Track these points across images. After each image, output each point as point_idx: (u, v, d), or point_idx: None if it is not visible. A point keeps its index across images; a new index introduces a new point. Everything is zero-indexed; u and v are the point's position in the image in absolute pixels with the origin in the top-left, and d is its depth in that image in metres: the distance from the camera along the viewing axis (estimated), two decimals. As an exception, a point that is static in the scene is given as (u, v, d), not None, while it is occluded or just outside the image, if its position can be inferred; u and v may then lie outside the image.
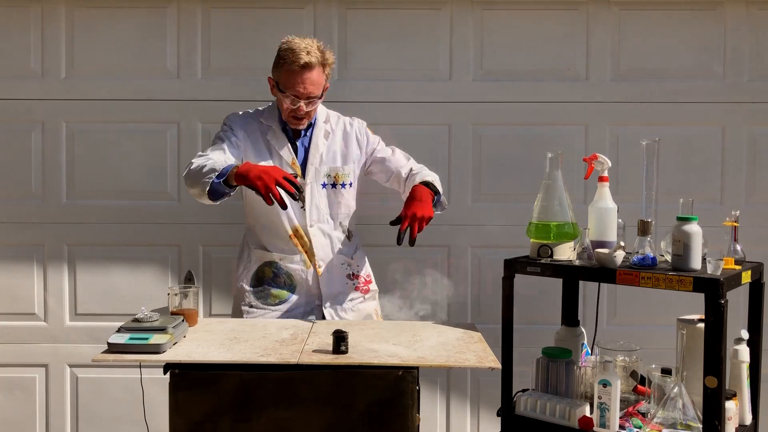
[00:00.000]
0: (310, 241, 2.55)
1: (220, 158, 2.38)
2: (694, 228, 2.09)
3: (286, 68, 2.42)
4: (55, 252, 3.27)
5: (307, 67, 2.40)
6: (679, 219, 2.11)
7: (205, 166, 2.29)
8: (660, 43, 3.27)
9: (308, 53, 2.40)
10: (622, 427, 2.13)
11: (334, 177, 2.58)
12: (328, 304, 2.57)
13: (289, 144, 2.55)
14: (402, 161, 2.68)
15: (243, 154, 2.52)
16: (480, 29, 3.27)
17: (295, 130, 2.56)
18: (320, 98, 2.50)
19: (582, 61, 3.28)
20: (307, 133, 2.58)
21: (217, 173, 2.24)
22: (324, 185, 2.57)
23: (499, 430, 2.35)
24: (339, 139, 2.62)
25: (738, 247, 2.27)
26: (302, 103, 2.44)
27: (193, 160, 2.39)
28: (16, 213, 3.26)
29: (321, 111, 2.61)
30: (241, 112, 2.63)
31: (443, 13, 3.27)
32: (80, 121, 3.25)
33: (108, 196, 3.26)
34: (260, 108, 2.64)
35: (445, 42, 3.27)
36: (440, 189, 2.56)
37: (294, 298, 2.57)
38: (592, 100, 3.27)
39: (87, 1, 3.24)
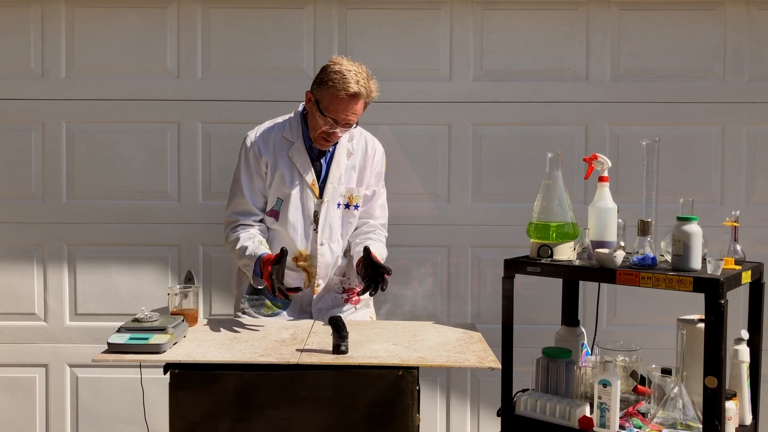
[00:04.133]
0: (315, 261, 2.53)
1: (252, 230, 2.51)
2: (694, 228, 2.09)
3: (333, 92, 2.35)
4: (55, 252, 3.27)
5: (355, 97, 2.36)
6: (679, 219, 2.11)
7: (245, 249, 2.42)
8: (660, 43, 3.27)
9: (357, 83, 2.35)
10: (622, 427, 2.13)
11: (349, 198, 2.56)
12: (319, 319, 2.56)
13: (311, 165, 2.51)
14: (376, 211, 2.65)
15: (268, 179, 2.51)
16: (480, 29, 3.27)
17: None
18: (355, 125, 2.47)
19: (582, 61, 3.28)
20: (329, 150, 2.54)
21: (252, 269, 2.40)
22: (339, 205, 2.55)
23: (499, 430, 2.35)
24: (359, 159, 2.58)
25: (738, 247, 2.27)
26: (338, 129, 2.40)
27: (229, 234, 2.51)
28: (16, 213, 3.26)
29: None
30: (259, 133, 2.54)
31: (443, 13, 3.27)
32: (80, 121, 3.25)
33: (108, 196, 3.26)
34: (281, 120, 2.57)
35: (445, 42, 3.27)
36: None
37: (286, 312, 2.57)
38: (592, 100, 3.27)
39: (87, 1, 3.24)
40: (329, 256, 2.55)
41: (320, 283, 2.56)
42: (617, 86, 3.28)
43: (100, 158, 3.26)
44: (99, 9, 3.23)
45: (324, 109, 2.38)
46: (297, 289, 2.34)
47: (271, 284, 2.27)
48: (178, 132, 3.26)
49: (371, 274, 2.35)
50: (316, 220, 2.52)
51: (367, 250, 2.36)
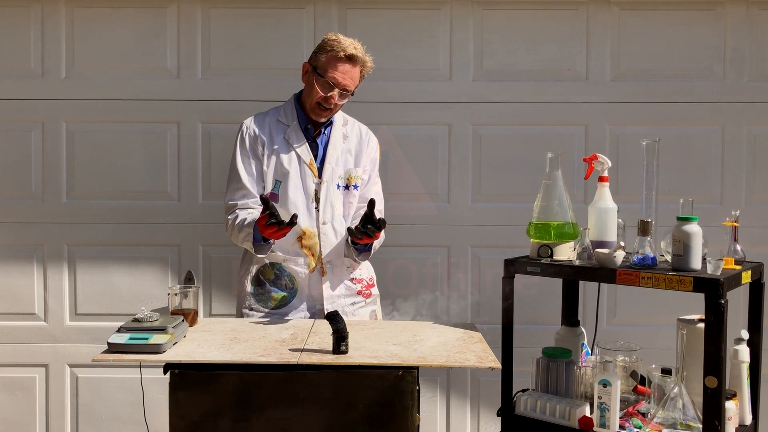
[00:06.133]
0: (319, 242, 2.54)
1: (250, 206, 2.52)
2: (694, 228, 2.09)
3: (331, 54, 2.45)
4: (55, 252, 3.27)
5: (351, 59, 2.46)
6: (679, 219, 2.11)
7: (244, 221, 2.45)
8: (660, 43, 3.27)
9: (355, 48, 2.47)
10: (622, 427, 2.13)
11: (347, 179, 2.59)
12: (329, 308, 2.55)
13: (307, 144, 2.55)
14: (371, 197, 2.62)
15: (265, 160, 2.53)
16: (480, 29, 3.27)
17: (315, 128, 2.56)
18: (351, 94, 2.52)
19: (582, 61, 3.28)
20: (326, 132, 2.60)
21: (252, 236, 2.42)
22: (339, 186, 2.57)
23: (499, 430, 2.35)
24: (354, 144, 2.63)
25: (738, 247, 2.27)
26: (336, 92, 2.46)
27: (228, 218, 2.52)
28: (16, 213, 3.26)
29: (339, 114, 2.63)
30: (254, 118, 2.60)
31: (443, 13, 3.27)
32: (80, 121, 3.25)
33: (108, 196, 3.26)
34: (277, 107, 2.64)
35: (445, 42, 3.28)
36: (377, 241, 2.54)
37: (294, 302, 2.56)
38: (592, 100, 3.27)
39: (87, 1, 3.24)
40: (332, 236, 2.55)
41: (328, 266, 2.55)
42: (617, 86, 3.28)
43: (100, 158, 3.26)
44: (99, 9, 3.24)
45: (322, 71, 2.46)
46: (294, 216, 2.26)
47: (274, 224, 2.23)
48: (178, 132, 3.26)
49: (368, 225, 2.35)
50: (317, 199, 2.53)
51: (372, 202, 2.35)
